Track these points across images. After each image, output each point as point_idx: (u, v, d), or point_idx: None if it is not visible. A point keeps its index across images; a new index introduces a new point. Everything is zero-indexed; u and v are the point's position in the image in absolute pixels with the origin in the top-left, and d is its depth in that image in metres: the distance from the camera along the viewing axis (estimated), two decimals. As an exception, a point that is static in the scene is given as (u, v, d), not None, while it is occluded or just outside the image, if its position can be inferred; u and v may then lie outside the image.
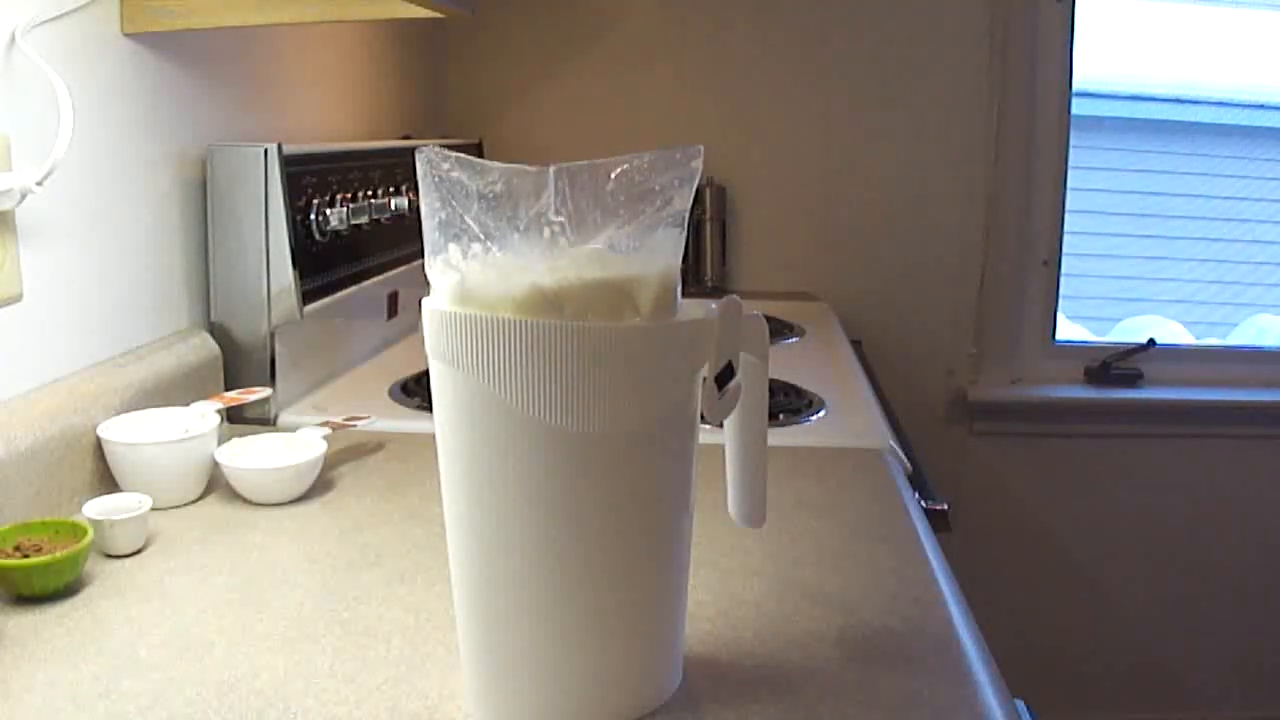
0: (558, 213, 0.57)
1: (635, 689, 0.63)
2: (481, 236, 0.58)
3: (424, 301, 0.61)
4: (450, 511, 0.62)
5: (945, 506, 1.13)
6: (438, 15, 1.21)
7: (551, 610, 0.60)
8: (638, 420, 0.58)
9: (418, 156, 0.59)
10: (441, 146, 0.59)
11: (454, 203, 0.58)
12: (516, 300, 0.57)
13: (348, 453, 1.10)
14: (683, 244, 0.61)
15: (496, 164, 0.57)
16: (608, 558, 0.60)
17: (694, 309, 0.62)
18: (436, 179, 0.58)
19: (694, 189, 0.60)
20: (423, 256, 0.62)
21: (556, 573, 0.59)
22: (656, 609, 0.63)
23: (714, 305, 0.62)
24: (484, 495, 0.59)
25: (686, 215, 0.60)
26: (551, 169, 0.57)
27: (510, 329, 0.56)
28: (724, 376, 0.64)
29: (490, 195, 0.57)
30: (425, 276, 0.62)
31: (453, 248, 0.59)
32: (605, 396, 0.57)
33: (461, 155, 0.58)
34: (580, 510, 0.59)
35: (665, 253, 0.59)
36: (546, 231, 0.57)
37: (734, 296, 0.64)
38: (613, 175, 0.57)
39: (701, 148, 0.60)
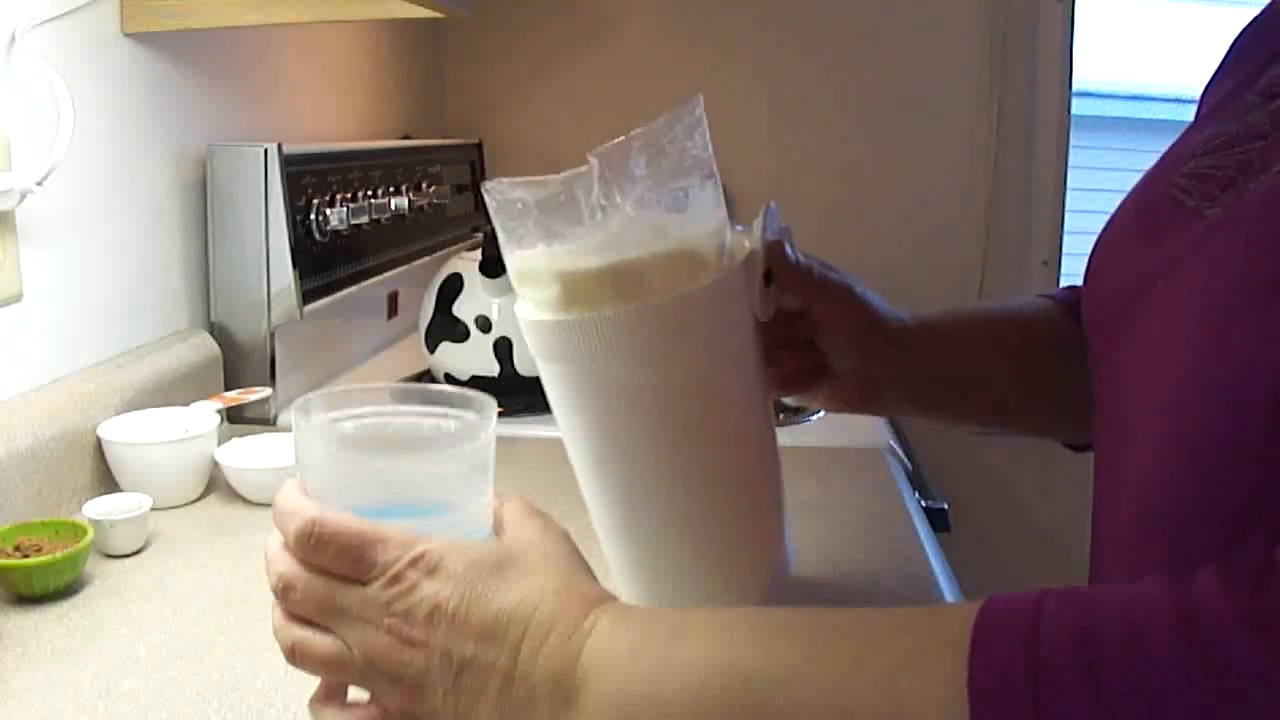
0: (607, 198, 0.59)
1: (760, 570, 0.70)
2: (551, 239, 0.60)
3: (519, 311, 0.63)
4: (585, 479, 0.67)
5: (945, 506, 1.13)
6: (437, 15, 1.21)
7: (683, 525, 0.66)
8: (729, 359, 0.64)
9: (485, 193, 0.60)
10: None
11: (522, 219, 0.60)
12: (601, 288, 0.59)
13: (348, 453, 1.10)
14: (720, 193, 0.63)
15: (552, 176, 0.59)
16: (724, 472, 0.66)
17: (738, 243, 0.66)
18: (500, 202, 0.59)
19: (705, 133, 0.62)
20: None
21: (681, 496, 0.65)
22: (770, 499, 0.70)
23: (755, 230, 0.67)
24: (613, 459, 0.64)
25: (713, 162, 0.62)
26: (593, 160, 0.58)
27: (609, 324, 0.59)
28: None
29: (555, 205, 0.59)
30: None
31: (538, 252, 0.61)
32: (703, 350, 0.62)
33: (523, 179, 0.59)
34: (696, 442, 0.64)
35: (710, 207, 0.62)
36: (599, 215, 0.59)
37: (771, 205, 0.69)
38: (634, 145, 0.59)
39: (700, 96, 0.62)
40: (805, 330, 0.71)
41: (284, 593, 0.50)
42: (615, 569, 0.70)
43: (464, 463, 0.52)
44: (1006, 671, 0.37)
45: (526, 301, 0.63)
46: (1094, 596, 0.38)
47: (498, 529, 0.54)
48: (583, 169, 0.58)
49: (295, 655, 0.50)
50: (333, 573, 0.49)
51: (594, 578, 0.52)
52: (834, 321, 0.71)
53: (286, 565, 0.50)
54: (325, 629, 0.49)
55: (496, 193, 0.59)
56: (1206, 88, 0.63)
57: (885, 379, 0.73)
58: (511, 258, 0.62)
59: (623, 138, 0.59)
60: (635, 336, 0.59)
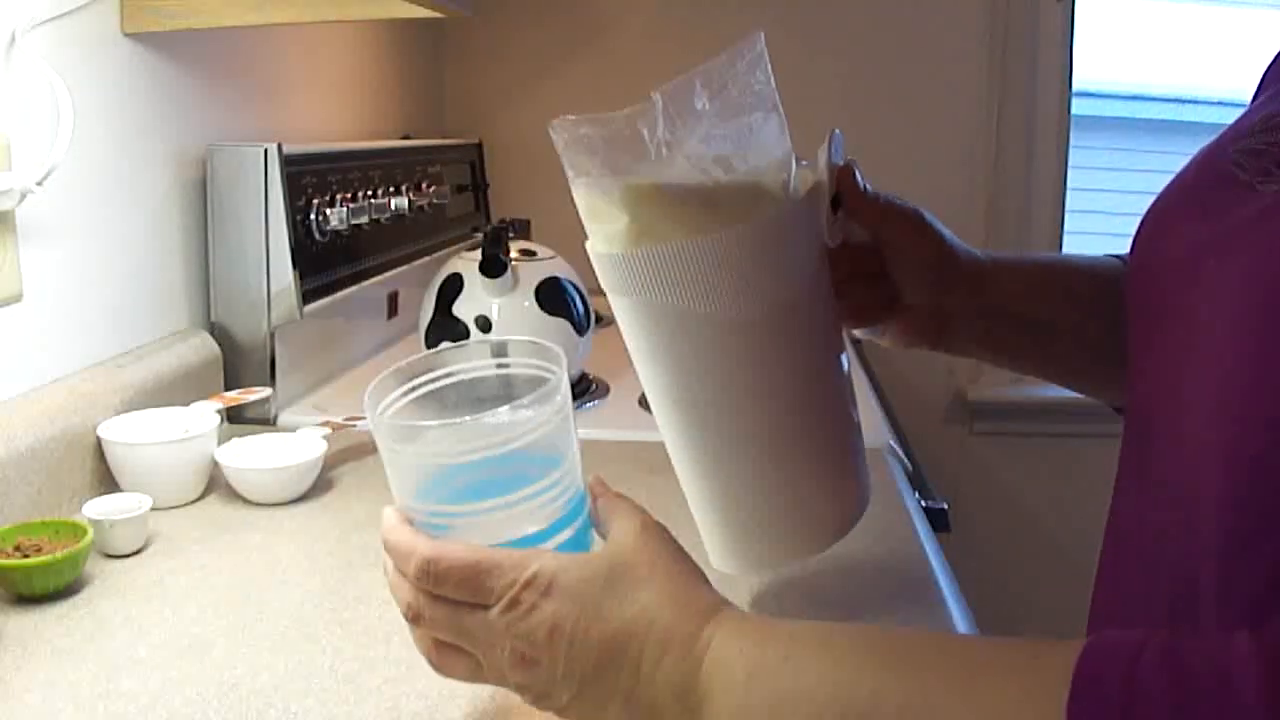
0: (672, 133, 0.59)
1: (840, 504, 0.71)
2: (618, 173, 0.61)
3: (589, 248, 0.64)
4: (660, 411, 0.68)
5: (945, 506, 1.13)
6: (437, 15, 1.21)
7: (765, 457, 0.67)
8: (799, 287, 0.64)
9: (553, 135, 0.60)
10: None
11: (589, 154, 0.61)
12: (669, 220, 0.60)
13: (348, 453, 1.10)
14: (785, 127, 0.64)
15: (616, 113, 0.60)
16: (799, 400, 0.67)
17: (807, 175, 0.67)
18: (567, 139, 0.60)
19: (767, 68, 0.63)
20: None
21: (756, 425, 0.66)
22: (846, 429, 0.71)
23: (821, 159, 0.68)
24: (687, 390, 0.65)
25: (776, 96, 0.63)
26: (657, 97, 0.59)
27: (679, 255, 0.60)
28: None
29: (620, 141, 0.60)
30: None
31: (604, 184, 0.61)
32: (773, 279, 0.62)
33: (588, 116, 0.60)
34: (770, 371, 0.65)
35: (774, 140, 0.63)
36: (665, 151, 0.60)
37: (836, 132, 0.69)
38: (698, 81, 0.60)
39: (761, 32, 0.63)
40: (875, 263, 0.71)
41: (414, 620, 0.53)
42: (693, 502, 0.71)
43: (544, 428, 0.53)
44: None
45: (596, 237, 0.64)
46: (1188, 662, 0.38)
47: (601, 524, 0.55)
48: (645, 105, 0.59)
49: (437, 669, 0.54)
50: (456, 601, 0.51)
51: (700, 576, 0.53)
52: (904, 248, 0.71)
53: (412, 595, 0.52)
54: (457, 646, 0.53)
55: (563, 129, 0.60)
56: (1273, 62, 0.62)
57: (955, 313, 0.73)
58: (580, 193, 0.63)
59: (685, 74, 0.59)
60: (704, 267, 0.60)
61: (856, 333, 0.77)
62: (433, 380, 0.58)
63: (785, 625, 0.50)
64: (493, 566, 0.50)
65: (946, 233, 0.72)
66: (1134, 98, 2.36)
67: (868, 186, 0.70)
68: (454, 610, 0.51)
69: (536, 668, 0.50)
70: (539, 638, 0.49)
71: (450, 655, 0.53)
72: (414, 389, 0.57)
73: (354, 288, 1.36)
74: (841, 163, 0.69)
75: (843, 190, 0.68)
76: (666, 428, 0.69)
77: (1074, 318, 0.75)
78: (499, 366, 0.58)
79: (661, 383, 0.66)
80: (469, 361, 0.59)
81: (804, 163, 0.68)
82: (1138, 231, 0.62)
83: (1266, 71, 0.63)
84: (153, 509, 0.88)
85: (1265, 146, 0.51)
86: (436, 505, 0.53)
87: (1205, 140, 0.59)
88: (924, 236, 0.71)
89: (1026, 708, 0.40)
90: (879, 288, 0.72)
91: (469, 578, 0.50)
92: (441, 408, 0.58)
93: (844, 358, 0.71)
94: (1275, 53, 0.62)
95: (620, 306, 0.65)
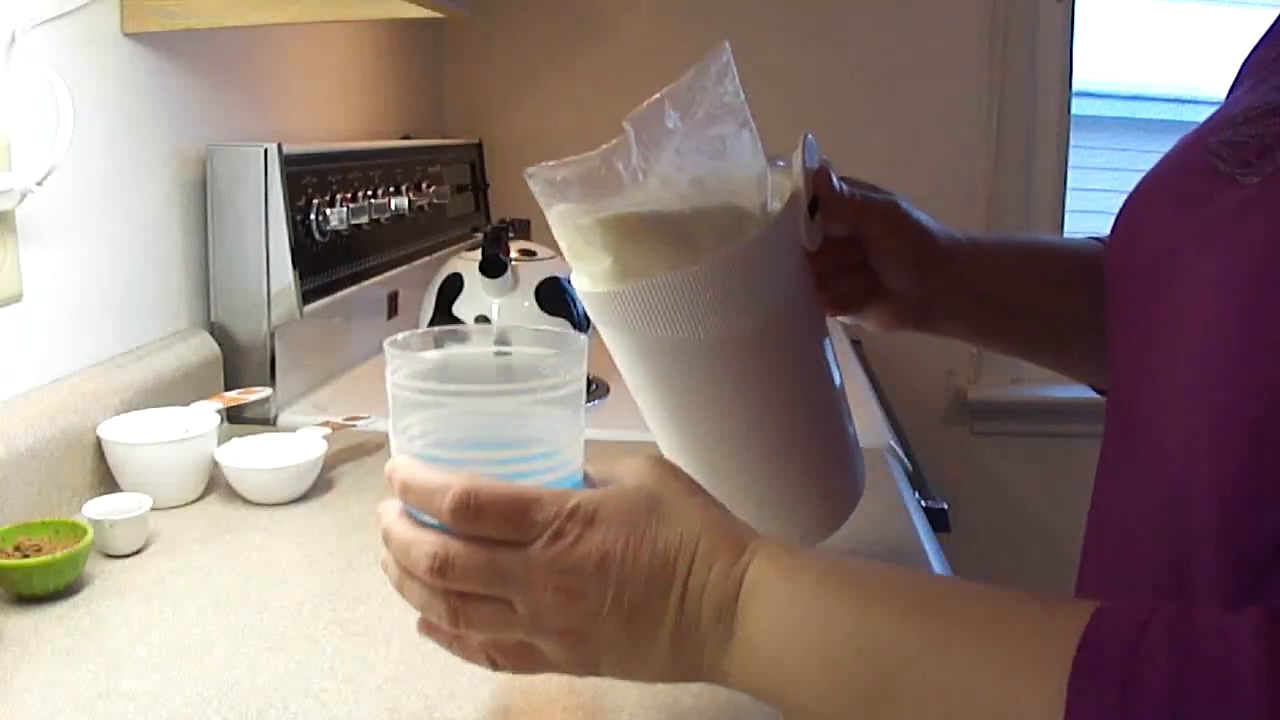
0: (646, 160, 0.60)
1: (836, 496, 0.73)
2: (596, 209, 0.61)
3: (575, 283, 0.65)
4: (660, 431, 0.70)
5: (945, 506, 1.13)
6: (437, 15, 1.21)
7: (758, 462, 0.69)
8: (783, 302, 0.65)
9: (530, 182, 0.60)
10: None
11: (564, 196, 0.61)
12: (650, 255, 0.60)
13: (348, 453, 1.10)
14: (757, 139, 0.63)
15: (590, 153, 0.60)
16: (791, 408, 0.68)
17: (783, 181, 0.67)
18: (543, 184, 0.60)
19: (735, 79, 0.62)
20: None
21: (747, 439, 0.68)
22: (837, 424, 0.72)
23: (796, 164, 0.67)
24: (682, 413, 0.67)
25: (746, 109, 0.63)
26: (628, 124, 0.59)
27: (662, 290, 0.61)
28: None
29: (597, 179, 0.60)
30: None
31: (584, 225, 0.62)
32: (758, 300, 0.63)
33: (563, 160, 0.60)
34: (760, 387, 0.66)
35: (748, 154, 0.63)
36: (641, 176, 0.60)
37: (808, 136, 0.69)
38: (667, 104, 0.60)
39: (726, 42, 0.62)
40: (856, 253, 0.72)
41: (440, 571, 0.49)
42: None
43: (557, 401, 0.53)
44: (1103, 705, 0.38)
45: (580, 274, 0.64)
46: (1192, 630, 0.38)
47: (604, 480, 0.54)
48: (619, 140, 0.59)
49: (461, 624, 0.50)
50: (490, 539, 0.49)
51: (725, 507, 0.53)
52: (883, 238, 0.71)
53: (438, 544, 0.49)
54: (481, 595, 0.49)
55: (540, 175, 0.60)
56: (1251, 54, 0.63)
57: (936, 296, 0.74)
58: (559, 234, 0.63)
59: (655, 96, 0.59)
60: (689, 297, 0.61)
61: (841, 318, 0.77)
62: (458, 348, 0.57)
63: (822, 556, 0.51)
64: (534, 499, 0.48)
65: (923, 218, 0.73)
66: (1134, 98, 2.37)
67: (843, 186, 0.70)
68: (491, 550, 0.48)
69: (582, 602, 0.48)
70: (588, 568, 0.48)
71: (476, 606, 0.50)
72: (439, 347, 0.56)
73: (354, 288, 1.36)
74: (816, 166, 0.69)
75: (819, 194, 0.69)
76: (662, 439, 0.70)
77: (1052, 299, 0.76)
78: (500, 355, 0.58)
79: (654, 402, 0.67)
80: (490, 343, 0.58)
81: (780, 163, 0.68)
82: (1116, 221, 0.62)
83: (1244, 64, 0.63)
84: (153, 509, 0.88)
85: (1245, 139, 0.51)
86: (457, 453, 0.51)
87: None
88: (902, 226, 0.72)
89: (1033, 672, 0.41)
90: (860, 276, 0.73)
91: (511, 511, 0.48)
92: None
93: (827, 342, 0.72)
94: (1253, 45, 0.63)
95: (609, 337, 0.66)
